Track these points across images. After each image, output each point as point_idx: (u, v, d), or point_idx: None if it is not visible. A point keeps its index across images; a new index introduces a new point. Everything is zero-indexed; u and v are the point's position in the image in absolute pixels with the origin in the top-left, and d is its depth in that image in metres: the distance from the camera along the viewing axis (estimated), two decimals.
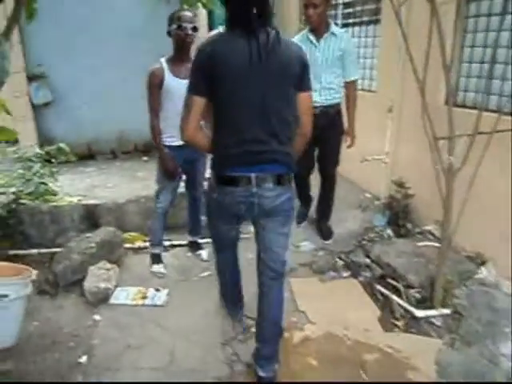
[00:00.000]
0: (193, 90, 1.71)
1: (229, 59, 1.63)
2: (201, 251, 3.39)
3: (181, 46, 2.67)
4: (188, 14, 2.65)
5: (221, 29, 3.02)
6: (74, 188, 4.03)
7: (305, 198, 3.73)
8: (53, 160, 3.83)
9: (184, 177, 3.09)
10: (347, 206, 4.05)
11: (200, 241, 3.48)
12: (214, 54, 1.63)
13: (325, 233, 3.59)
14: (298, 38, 3.11)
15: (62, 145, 3.59)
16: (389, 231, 3.50)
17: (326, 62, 3.06)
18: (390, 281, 2.93)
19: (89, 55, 4.68)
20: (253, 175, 1.73)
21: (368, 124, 4.21)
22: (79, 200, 3.69)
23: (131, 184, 4.14)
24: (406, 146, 3.73)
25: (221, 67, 1.63)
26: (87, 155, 5.00)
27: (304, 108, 1.81)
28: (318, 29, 3.01)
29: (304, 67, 1.75)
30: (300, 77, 1.74)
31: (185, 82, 2.50)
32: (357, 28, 4.40)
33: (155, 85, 2.65)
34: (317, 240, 3.59)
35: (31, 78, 4.53)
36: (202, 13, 5.33)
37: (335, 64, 3.07)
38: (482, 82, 2.90)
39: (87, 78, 4.71)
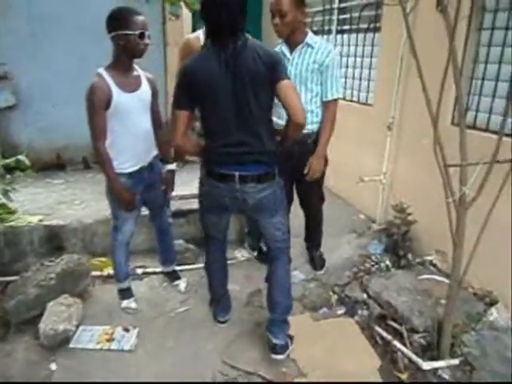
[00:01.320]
0: (177, 105, 1.96)
1: (206, 74, 1.85)
2: (178, 281, 3.02)
3: (133, 55, 2.20)
4: (143, 18, 2.18)
5: (200, 31, 2.72)
6: (36, 205, 3.60)
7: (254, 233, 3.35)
8: (11, 175, 3.39)
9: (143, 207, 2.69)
10: (340, 230, 3.73)
11: (177, 268, 3.10)
12: (193, 72, 1.87)
13: (316, 262, 3.25)
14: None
15: (20, 157, 3.17)
16: (387, 261, 3.18)
17: (300, 78, 2.56)
18: (390, 322, 2.61)
19: (60, 55, 4.26)
20: (237, 174, 1.97)
21: (363, 140, 3.90)
22: (40, 220, 3.26)
23: (102, 201, 3.67)
24: (406, 167, 3.43)
25: (200, 83, 1.87)
26: (56, 164, 4.54)
27: (288, 97, 1.86)
28: (291, 39, 2.56)
29: (272, 63, 1.84)
30: (270, 73, 1.83)
31: (137, 96, 2.24)
32: (353, 35, 4.09)
33: (100, 104, 2.11)
34: (307, 269, 3.25)
35: None
36: (185, 13, 4.94)
37: (311, 80, 2.56)
38: (497, 101, 2.61)
39: (57, 80, 4.28)
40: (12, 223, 3.17)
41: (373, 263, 3.25)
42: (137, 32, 2.11)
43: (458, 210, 2.15)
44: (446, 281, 2.78)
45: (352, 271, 3.15)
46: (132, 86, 2.24)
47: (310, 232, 3.25)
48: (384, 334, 2.55)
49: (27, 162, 3.23)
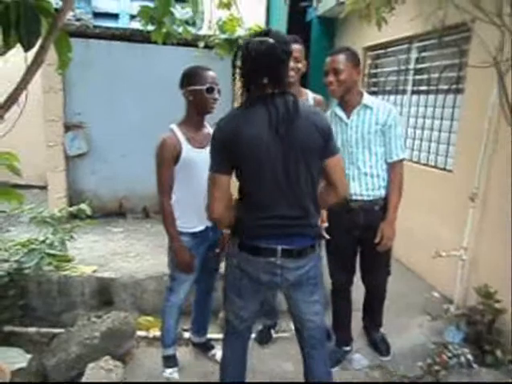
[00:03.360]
0: (216, 168, 1.67)
1: (252, 135, 1.59)
2: (215, 351, 2.73)
3: (203, 111, 2.19)
4: (213, 73, 2.17)
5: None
6: (92, 254, 3.58)
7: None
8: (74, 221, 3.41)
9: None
10: (409, 308, 3.30)
11: (211, 336, 2.84)
12: (233, 132, 1.60)
13: (380, 346, 2.85)
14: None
15: (83, 206, 3.17)
16: (468, 355, 2.70)
17: (363, 141, 2.38)
18: None
19: (130, 107, 4.42)
20: (279, 248, 1.71)
21: (440, 209, 3.53)
22: (94, 271, 3.19)
23: (157, 255, 3.63)
24: (492, 244, 3.00)
25: (243, 145, 1.59)
26: (118, 212, 4.59)
27: (336, 174, 1.75)
28: (346, 101, 2.38)
29: (327, 135, 1.67)
30: (324, 146, 1.67)
31: (205, 152, 2.04)
32: (431, 96, 3.83)
33: (170, 159, 2.09)
34: (370, 353, 2.85)
35: (68, 127, 4.26)
36: None
37: (374, 142, 2.38)
38: None
39: (126, 131, 4.42)
40: (67, 272, 3.12)
41: (450, 355, 2.77)
42: (204, 87, 2.09)
43: None
44: None
45: (425, 362, 2.71)
46: (201, 142, 2.18)
47: (372, 310, 2.87)
48: None
49: (88, 211, 3.23)
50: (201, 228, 2.24)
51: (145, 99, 4.41)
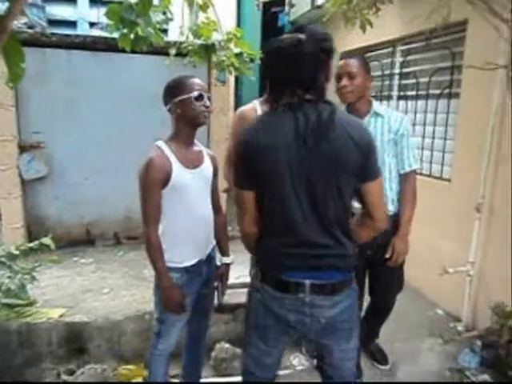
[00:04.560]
0: (240, 184, 1.49)
1: (270, 145, 1.37)
2: None
3: (195, 123, 1.90)
4: (199, 80, 1.92)
5: (256, 102, 2.35)
6: (59, 293, 3.13)
7: None
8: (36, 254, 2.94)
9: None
10: (413, 328, 3.08)
11: (204, 381, 2.48)
12: (254, 140, 1.40)
13: (378, 356, 2.73)
14: None
15: (45, 240, 2.72)
16: (488, 379, 2.48)
17: None
18: None
19: (95, 123, 3.97)
20: (307, 282, 1.45)
21: (439, 221, 3.32)
22: (61, 315, 2.75)
23: (133, 289, 3.22)
24: (501, 257, 2.80)
25: (264, 158, 1.38)
26: (85, 240, 4.12)
27: (375, 202, 1.48)
28: (355, 108, 2.20)
29: (368, 152, 1.41)
30: (363, 165, 1.40)
31: (198, 173, 1.92)
32: (421, 102, 3.64)
33: (158, 182, 1.81)
34: (369, 366, 2.64)
35: (24, 148, 3.77)
36: (230, 80, 4.68)
37: (387, 152, 2.24)
38: None
39: (91, 150, 3.97)
40: (29, 319, 2.66)
41: (469, 382, 2.54)
42: (193, 94, 1.84)
43: None
44: None
45: None
46: (194, 162, 1.93)
47: (375, 323, 2.67)
48: None
49: (52, 246, 2.78)
50: (193, 262, 1.95)
51: (111, 113, 3.98)
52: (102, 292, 3.15)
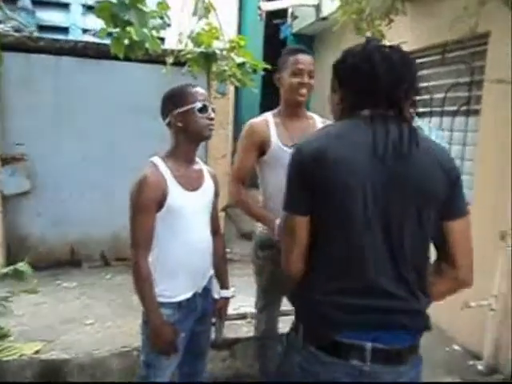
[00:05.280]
0: (293, 207, 1.19)
1: (339, 159, 1.10)
2: None
3: (198, 137, 1.69)
4: (202, 89, 1.71)
5: (268, 114, 2.12)
6: (37, 323, 2.81)
7: None
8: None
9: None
10: (433, 367, 2.76)
11: None
12: (318, 152, 1.11)
13: None
14: None
15: (21, 266, 2.41)
16: None
17: None
18: None
19: (84, 136, 3.71)
20: (369, 346, 1.11)
21: None
22: (37, 351, 2.43)
23: (121, 319, 2.91)
24: None
25: (334, 176, 1.10)
26: (70, 261, 3.81)
27: (459, 243, 1.18)
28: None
29: (457, 182, 1.17)
30: (450, 197, 1.15)
31: (198, 196, 1.73)
32: (435, 119, 3.42)
33: (151, 203, 1.59)
34: None
35: (5, 160, 3.47)
36: (230, 92, 4.44)
37: None
38: None
39: (78, 164, 3.70)
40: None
41: None
42: (195, 105, 1.62)
43: None
44: None
45: None
46: (194, 183, 1.72)
47: None
48: None
49: (29, 271, 2.47)
50: (188, 295, 1.71)
51: (102, 126, 3.72)
52: (86, 322, 2.83)
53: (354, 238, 1.11)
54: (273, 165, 2.00)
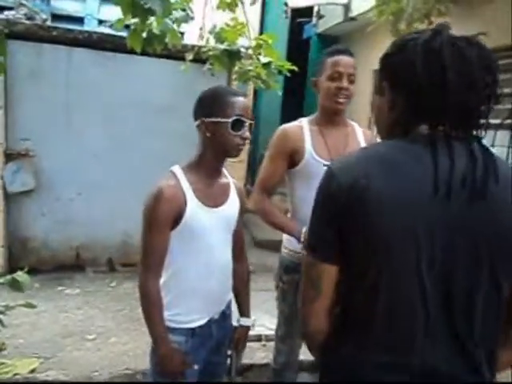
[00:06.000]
0: (319, 250, 0.90)
1: (388, 195, 0.81)
2: None
3: (224, 154, 1.49)
4: (244, 100, 1.48)
5: (304, 120, 1.89)
6: (35, 335, 2.60)
7: None
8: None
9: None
10: None
11: None
12: (358, 182, 0.82)
13: None
14: None
15: (20, 276, 2.19)
16: None
17: None
18: None
19: (94, 133, 3.48)
20: None
21: None
22: (32, 370, 2.22)
23: (127, 334, 2.69)
24: None
25: (370, 208, 0.81)
26: (74, 265, 3.59)
27: None
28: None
29: None
30: None
31: (220, 213, 1.54)
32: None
33: (166, 219, 1.41)
34: None
35: (10, 156, 3.26)
36: (250, 91, 4.20)
37: None
38: None
39: (87, 163, 3.48)
40: None
41: None
42: (230, 119, 1.39)
43: None
44: None
45: None
46: (217, 199, 1.53)
47: None
48: None
49: (27, 282, 2.25)
50: (203, 322, 1.52)
51: (113, 123, 3.49)
52: (87, 337, 2.61)
53: (402, 300, 0.84)
54: (305, 177, 1.78)
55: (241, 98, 1.43)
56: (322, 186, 0.90)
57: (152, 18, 2.38)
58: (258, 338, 2.69)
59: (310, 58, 5.00)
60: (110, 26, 3.84)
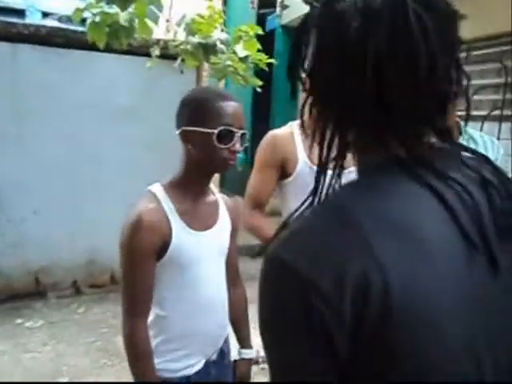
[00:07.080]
0: (311, 368, 0.49)
1: (416, 297, 0.45)
2: None
3: (210, 170, 1.30)
4: (236, 106, 1.25)
5: (294, 124, 1.70)
6: None
7: None
8: None
9: None
10: None
11: None
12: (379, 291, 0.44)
13: None
14: None
15: None
16: None
17: None
18: None
19: (47, 142, 3.09)
20: None
21: None
22: None
23: (104, 372, 2.36)
24: None
25: (395, 315, 0.44)
26: (33, 292, 3.19)
27: None
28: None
29: None
30: None
31: (208, 236, 1.35)
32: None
33: (149, 252, 1.20)
34: None
35: None
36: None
37: None
38: None
39: (41, 176, 3.08)
40: None
41: None
42: (216, 130, 1.18)
43: None
44: None
45: None
46: (206, 220, 1.35)
47: None
48: None
49: None
50: (199, 367, 1.33)
51: (70, 129, 3.12)
52: (59, 381, 2.26)
53: None
54: (299, 188, 1.58)
55: (231, 104, 1.22)
56: (283, 281, 0.51)
57: (115, 9, 2.08)
58: (255, 361, 2.45)
59: (276, 51, 4.78)
60: (59, 20, 3.44)
